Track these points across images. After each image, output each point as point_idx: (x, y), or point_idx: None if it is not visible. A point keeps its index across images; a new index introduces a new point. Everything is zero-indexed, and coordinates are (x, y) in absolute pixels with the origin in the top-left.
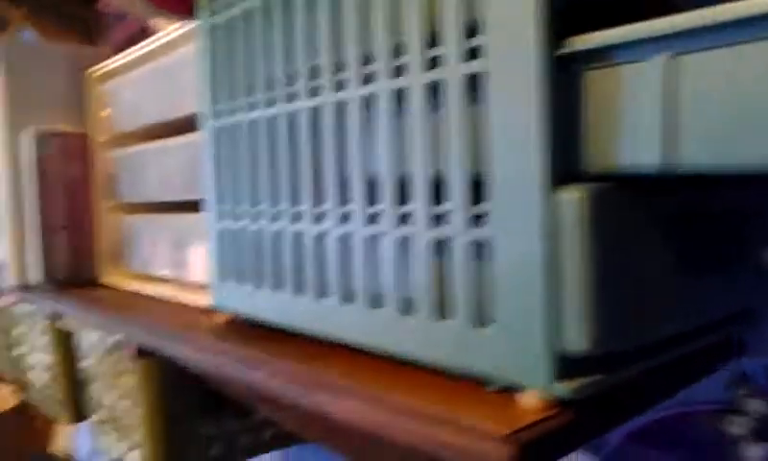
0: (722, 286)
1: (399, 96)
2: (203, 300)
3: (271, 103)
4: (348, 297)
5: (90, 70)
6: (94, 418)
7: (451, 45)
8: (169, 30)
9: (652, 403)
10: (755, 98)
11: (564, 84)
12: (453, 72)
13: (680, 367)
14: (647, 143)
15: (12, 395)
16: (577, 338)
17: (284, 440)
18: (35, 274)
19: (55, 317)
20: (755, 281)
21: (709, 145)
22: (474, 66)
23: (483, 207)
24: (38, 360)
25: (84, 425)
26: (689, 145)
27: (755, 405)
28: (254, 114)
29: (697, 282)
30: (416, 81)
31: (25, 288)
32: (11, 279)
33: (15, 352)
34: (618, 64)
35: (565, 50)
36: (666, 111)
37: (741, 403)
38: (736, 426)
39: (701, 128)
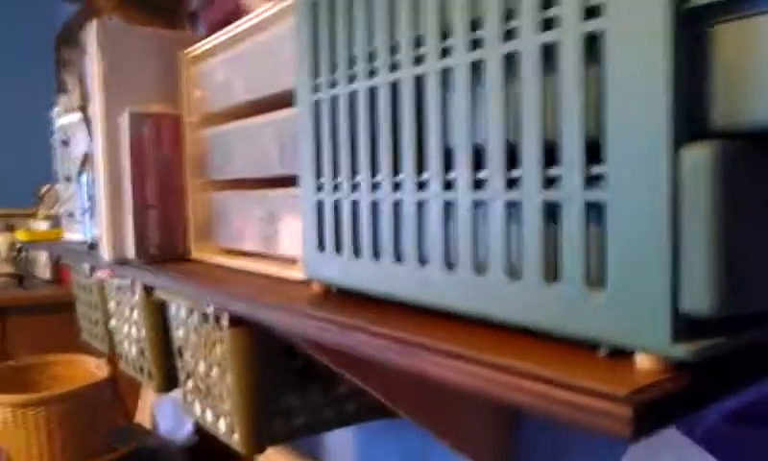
0: None
1: (510, 61)
2: (294, 273)
3: (372, 73)
4: (450, 264)
5: (186, 51)
6: (184, 387)
7: (569, 4)
8: (262, 9)
9: (766, 373)
10: None
11: (691, 38)
12: (571, 32)
13: None
14: None
15: (104, 366)
16: (699, 300)
17: (367, 413)
18: (128, 249)
19: (148, 289)
20: None
21: None
22: (594, 25)
23: (599, 169)
24: (131, 332)
25: (167, 400)
26: None
27: None
28: (354, 86)
29: None
30: (530, 43)
31: (119, 263)
32: (106, 254)
33: (109, 325)
34: (749, 16)
35: (693, 3)
36: None
37: None
38: None
39: None
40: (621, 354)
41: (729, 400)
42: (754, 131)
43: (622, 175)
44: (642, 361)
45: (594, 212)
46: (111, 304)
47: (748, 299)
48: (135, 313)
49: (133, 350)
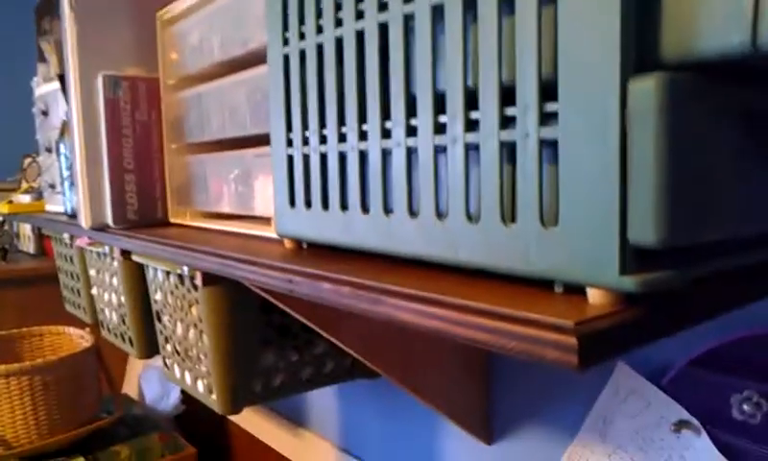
0: None
1: (469, 2)
2: (269, 231)
3: (338, 23)
4: (414, 211)
5: (159, 13)
6: (163, 352)
7: None
8: None
9: (725, 308)
10: None
11: None
12: None
13: (755, 275)
14: (729, 23)
15: (88, 337)
16: (645, 230)
17: (343, 374)
18: (107, 215)
19: (126, 254)
20: None
21: None
22: None
23: (553, 106)
24: (112, 299)
25: (153, 369)
26: None
27: None
28: (321, 37)
29: None
30: None
31: (98, 230)
32: (84, 221)
33: (92, 292)
34: None
35: None
36: None
37: None
38: None
39: None
40: (577, 291)
41: (692, 346)
42: (701, 62)
43: (574, 111)
44: (594, 295)
45: (549, 151)
46: (92, 272)
47: (697, 230)
48: (115, 280)
49: (114, 317)
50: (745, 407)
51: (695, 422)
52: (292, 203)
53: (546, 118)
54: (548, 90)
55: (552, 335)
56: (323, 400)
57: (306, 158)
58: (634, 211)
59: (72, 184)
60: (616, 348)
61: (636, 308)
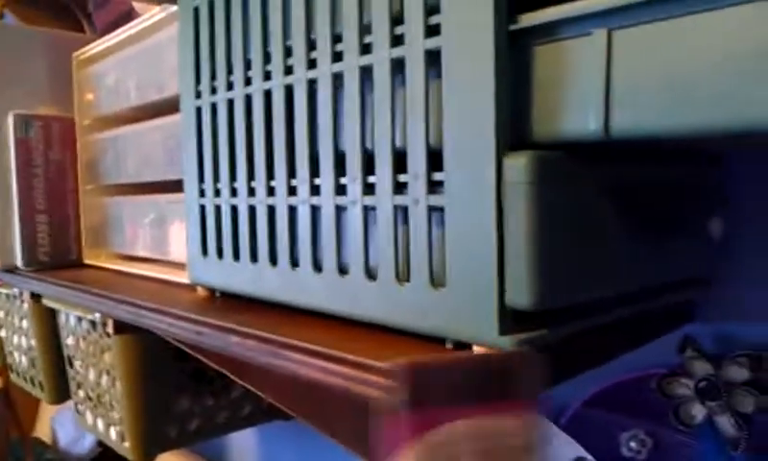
0: (672, 252)
1: (366, 73)
2: (184, 277)
3: (248, 82)
4: (317, 265)
5: (76, 54)
6: (75, 397)
7: (413, 23)
8: (152, 12)
9: (603, 360)
10: (683, 69)
11: (515, 57)
12: (414, 49)
13: (632, 327)
14: (588, 112)
15: None
16: (519, 295)
17: (261, 416)
18: (17, 257)
19: (36, 297)
20: (703, 250)
21: (642, 112)
22: (433, 43)
23: (440, 176)
24: (21, 342)
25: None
26: (625, 113)
27: (700, 368)
28: (231, 93)
29: (645, 247)
30: (381, 57)
31: (7, 271)
32: None
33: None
34: (562, 39)
35: (517, 26)
36: (605, 83)
37: (688, 366)
38: (683, 388)
39: (636, 97)
40: (466, 346)
41: (586, 388)
42: (567, 142)
43: (458, 181)
44: (478, 352)
45: (437, 216)
46: (3, 312)
47: (566, 294)
48: (25, 322)
49: (24, 360)
50: (632, 444)
51: (591, 458)
52: (204, 252)
53: (434, 186)
54: (437, 159)
55: None
56: (242, 441)
57: (218, 209)
58: (510, 277)
59: None
60: None
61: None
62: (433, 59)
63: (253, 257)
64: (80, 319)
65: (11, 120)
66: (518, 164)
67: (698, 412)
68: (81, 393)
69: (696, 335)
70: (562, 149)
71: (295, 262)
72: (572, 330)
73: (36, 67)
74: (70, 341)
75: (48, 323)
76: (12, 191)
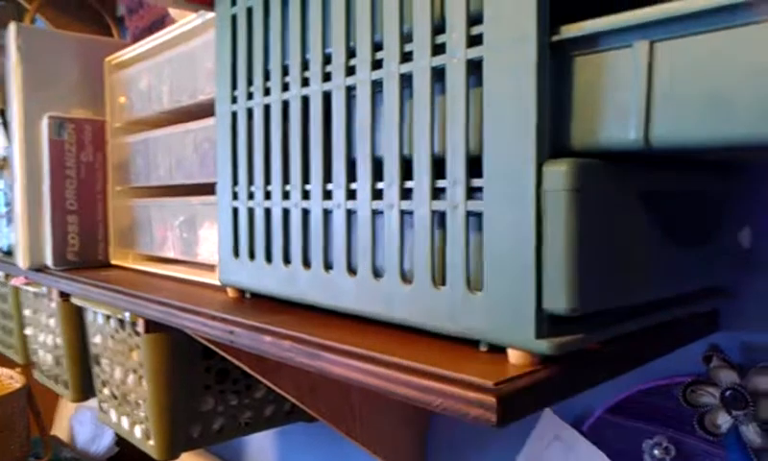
0: (699, 262)
1: (406, 80)
2: (212, 278)
3: (285, 88)
4: (352, 269)
5: (109, 58)
6: (100, 395)
7: (455, 32)
8: (187, 20)
9: (632, 366)
10: (723, 81)
11: (556, 68)
12: (456, 57)
13: (659, 334)
14: (627, 122)
15: (18, 376)
16: (557, 300)
17: (283, 418)
18: (46, 256)
19: (65, 296)
20: (730, 260)
21: (681, 123)
22: (475, 52)
23: (478, 182)
24: (47, 341)
25: (85, 411)
26: (664, 123)
27: (725, 377)
28: (268, 99)
29: (675, 255)
30: (422, 65)
31: (36, 270)
32: (22, 261)
33: (25, 333)
34: (603, 51)
35: (559, 37)
36: (646, 94)
37: (713, 375)
38: (708, 397)
39: (676, 109)
40: (499, 349)
41: (610, 394)
42: (606, 151)
43: (497, 188)
44: (513, 355)
45: (475, 221)
46: (27, 313)
47: (604, 299)
48: (52, 321)
49: (49, 358)
50: (656, 452)
51: None
52: (236, 253)
53: (473, 192)
54: (476, 166)
55: (474, 394)
56: (262, 443)
57: (251, 212)
58: (547, 282)
59: (9, 221)
60: (532, 406)
61: (551, 368)
62: (474, 68)
63: (286, 260)
64: (108, 317)
65: (45, 122)
66: (559, 171)
67: (723, 421)
68: (105, 391)
69: (721, 344)
70: (600, 157)
71: (328, 265)
72: (606, 336)
73: (68, 70)
74: (97, 339)
75: (75, 321)
76: (43, 192)
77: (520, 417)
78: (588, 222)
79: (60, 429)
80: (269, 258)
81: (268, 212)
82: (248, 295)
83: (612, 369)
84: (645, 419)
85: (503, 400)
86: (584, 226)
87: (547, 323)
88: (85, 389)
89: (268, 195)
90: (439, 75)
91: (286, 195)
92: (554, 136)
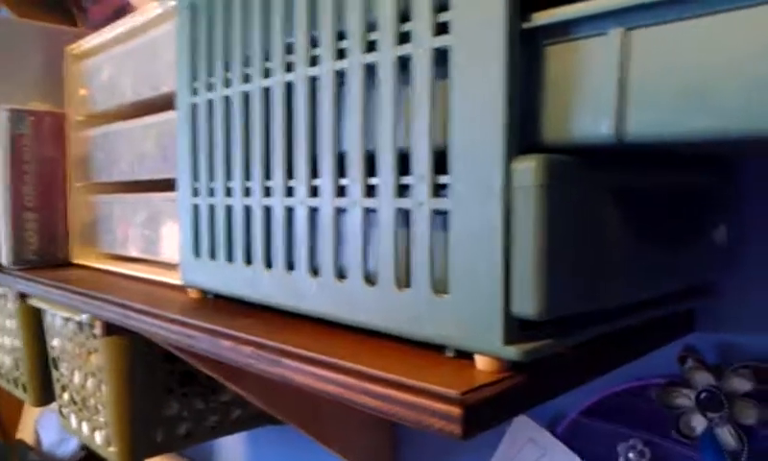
0: (677, 261)
1: (370, 71)
2: (175, 278)
3: (246, 79)
4: (315, 269)
5: (69, 48)
6: (59, 400)
7: (421, 20)
8: (148, 8)
9: (604, 370)
10: (702, 72)
11: (527, 57)
12: (422, 47)
13: (633, 336)
14: (601, 115)
15: None
16: (526, 303)
17: (250, 421)
18: (4, 254)
19: (23, 297)
20: (708, 258)
21: (658, 116)
22: (442, 41)
23: (444, 178)
24: (6, 343)
25: (50, 414)
26: (639, 116)
27: (701, 378)
28: (229, 90)
29: (652, 255)
30: (386, 55)
31: None
32: None
33: None
34: (576, 39)
35: (529, 24)
36: (620, 85)
37: (689, 377)
38: (684, 399)
39: (652, 101)
40: (466, 356)
41: (584, 397)
42: (578, 146)
43: (464, 184)
44: (481, 362)
45: (440, 220)
46: None
47: (576, 302)
48: (9, 322)
49: (8, 361)
50: (630, 455)
51: None
52: (197, 253)
53: (439, 189)
54: (442, 162)
55: (438, 405)
56: (231, 445)
57: (212, 209)
58: (516, 284)
59: None
60: (500, 416)
61: (520, 375)
62: (441, 57)
63: (248, 259)
64: (66, 320)
65: (4, 115)
66: (528, 167)
67: (698, 423)
68: (65, 396)
69: (697, 345)
70: (573, 153)
71: (291, 265)
72: (578, 340)
73: (29, 61)
74: (56, 342)
75: (34, 323)
76: (0, 187)
77: (487, 428)
78: (559, 221)
79: (25, 433)
80: (230, 258)
81: (229, 210)
82: (210, 296)
83: (584, 374)
84: (620, 421)
85: (469, 410)
86: (554, 225)
87: (516, 328)
88: (46, 393)
89: (229, 192)
90: (404, 65)
91: (247, 192)
92: (524, 131)
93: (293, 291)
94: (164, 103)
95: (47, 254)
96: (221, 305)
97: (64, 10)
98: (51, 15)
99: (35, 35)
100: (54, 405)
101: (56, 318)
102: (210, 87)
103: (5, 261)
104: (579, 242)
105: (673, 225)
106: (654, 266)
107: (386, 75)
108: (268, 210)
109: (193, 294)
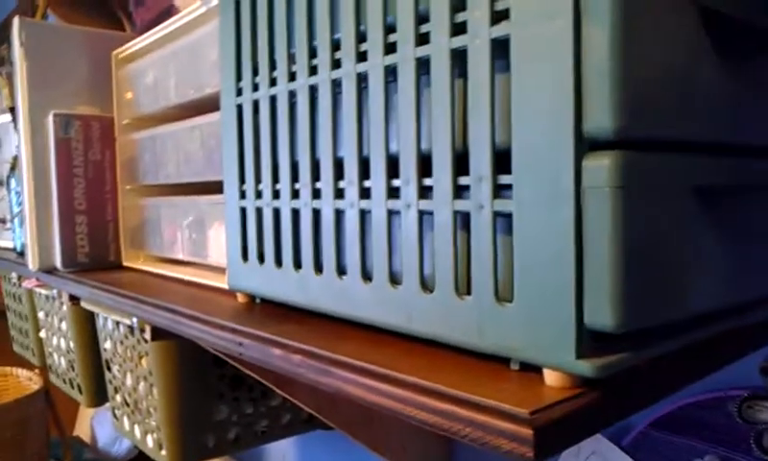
0: (759, 266)
1: (423, 65)
2: (222, 282)
3: (292, 77)
4: (367, 274)
5: (115, 52)
6: (112, 401)
7: (478, 9)
8: (192, 8)
9: (682, 384)
10: None
11: None
12: (479, 37)
13: (713, 346)
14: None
15: (37, 378)
16: (601, 315)
17: (300, 425)
18: (56, 257)
19: (74, 299)
20: None
21: None
22: (501, 29)
23: (506, 179)
24: (60, 344)
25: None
26: None
27: None
28: (274, 89)
29: (733, 260)
30: (440, 48)
31: (47, 272)
32: (32, 263)
33: (40, 335)
34: None
35: None
36: None
37: None
38: (767, 413)
39: None
40: (533, 368)
41: (653, 408)
42: (655, 140)
43: (528, 185)
44: (550, 377)
45: (504, 223)
46: (41, 315)
47: (654, 312)
48: (64, 324)
49: (63, 362)
50: None
51: None
52: (245, 256)
53: (500, 190)
54: (503, 161)
55: (507, 424)
56: (280, 450)
57: (259, 212)
58: (590, 294)
59: (22, 221)
60: (574, 437)
61: (595, 391)
62: (500, 48)
63: (297, 264)
64: (117, 323)
65: (51, 120)
66: (601, 166)
67: None
68: (118, 398)
69: None
70: (647, 148)
71: (342, 270)
72: (656, 353)
73: (77, 66)
74: (108, 345)
75: (87, 325)
76: (51, 192)
77: (561, 450)
78: (636, 224)
79: (81, 430)
80: (279, 262)
81: (277, 212)
82: (258, 300)
83: (662, 389)
84: (693, 435)
85: (541, 431)
86: (630, 228)
87: (589, 341)
88: (100, 394)
89: (276, 194)
90: (460, 58)
91: (295, 194)
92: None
93: (344, 297)
94: (209, 104)
95: (97, 256)
96: (269, 310)
97: (111, 14)
98: (98, 20)
99: (82, 40)
100: (109, 404)
101: (107, 320)
102: (255, 87)
103: (57, 264)
104: (658, 246)
105: (757, 228)
106: (737, 272)
107: (440, 69)
108: (317, 213)
109: (241, 298)
